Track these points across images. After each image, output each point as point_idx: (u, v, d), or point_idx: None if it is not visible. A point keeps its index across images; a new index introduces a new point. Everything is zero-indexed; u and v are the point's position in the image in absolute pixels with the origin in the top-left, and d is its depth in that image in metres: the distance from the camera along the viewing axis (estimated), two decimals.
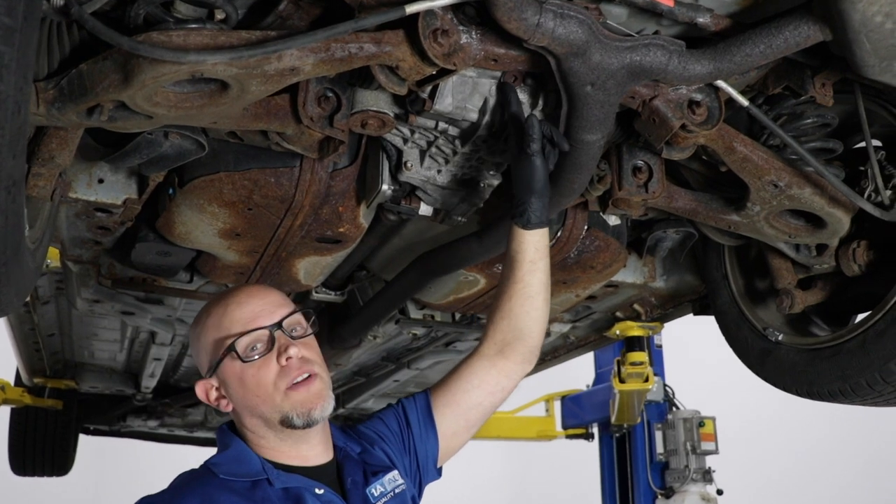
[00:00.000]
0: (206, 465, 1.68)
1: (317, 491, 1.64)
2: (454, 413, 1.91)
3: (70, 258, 2.63)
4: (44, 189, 1.68)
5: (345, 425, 1.90)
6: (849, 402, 2.23)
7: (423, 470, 1.90)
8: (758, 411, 9.68)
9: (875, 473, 10.01)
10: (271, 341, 1.66)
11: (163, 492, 1.62)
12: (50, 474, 5.91)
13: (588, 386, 6.55)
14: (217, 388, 1.71)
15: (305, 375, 1.66)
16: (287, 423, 1.65)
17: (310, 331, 1.75)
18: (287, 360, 1.65)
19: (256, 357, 1.65)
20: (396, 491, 1.75)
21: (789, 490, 10.06)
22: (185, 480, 1.66)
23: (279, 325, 1.68)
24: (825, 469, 10.20)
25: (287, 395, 1.64)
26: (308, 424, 1.65)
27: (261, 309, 1.70)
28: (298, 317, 1.73)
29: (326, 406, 1.67)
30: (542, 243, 1.86)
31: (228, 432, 1.74)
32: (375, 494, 1.72)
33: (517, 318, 1.89)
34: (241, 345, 1.65)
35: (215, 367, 1.69)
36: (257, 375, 1.65)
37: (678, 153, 1.92)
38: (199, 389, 1.73)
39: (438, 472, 1.95)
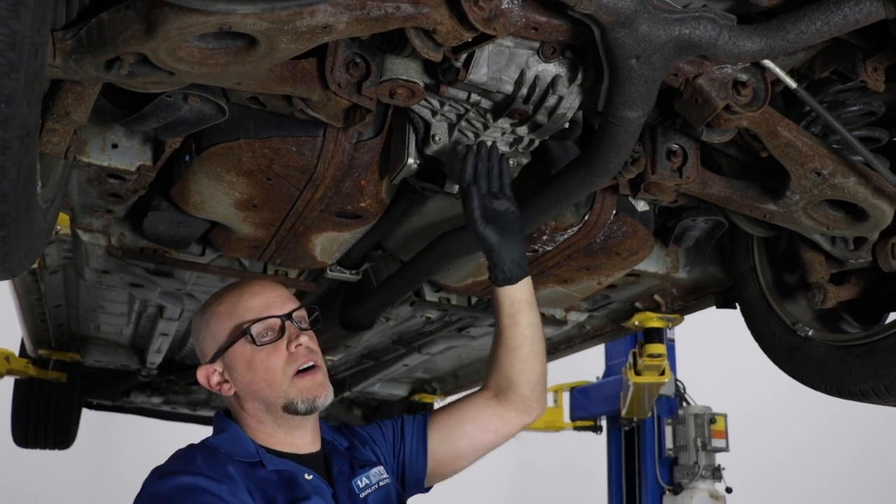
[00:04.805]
0: (205, 443, 1.75)
1: (306, 476, 1.73)
2: (445, 438, 1.98)
3: (80, 226, 2.56)
4: (58, 146, 1.60)
5: (339, 424, 2.01)
6: (881, 403, 2.16)
7: (409, 480, 1.97)
8: (766, 409, 9.61)
9: (891, 474, 9.91)
10: (282, 329, 1.75)
11: (171, 459, 1.68)
12: (52, 447, 5.87)
13: (598, 378, 6.48)
14: (220, 373, 1.78)
15: (311, 364, 1.76)
16: (290, 409, 1.74)
17: (312, 327, 1.84)
18: (297, 346, 1.74)
19: (267, 342, 1.74)
20: (381, 483, 1.84)
21: (798, 489, 9.99)
22: (189, 448, 1.73)
23: (290, 315, 1.77)
24: (837, 469, 10.11)
25: (294, 381, 1.74)
26: (310, 411, 1.75)
27: (274, 299, 1.79)
28: (304, 312, 1.82)
29: (328, 396, 1.77)
30: (520, 297, 1.91)
31: (225, 418, 1.82)
32: (360, 486, 1.81)
33: (504, 368, 1.96)
34: (255, 330, 1.74)
35: (223, 351, 1.76)
36: (267, 360, 1.73)
37: (718, 136, 1.84)
38: (201, 374, 1.80)
39: (426, 489, 2.03)
